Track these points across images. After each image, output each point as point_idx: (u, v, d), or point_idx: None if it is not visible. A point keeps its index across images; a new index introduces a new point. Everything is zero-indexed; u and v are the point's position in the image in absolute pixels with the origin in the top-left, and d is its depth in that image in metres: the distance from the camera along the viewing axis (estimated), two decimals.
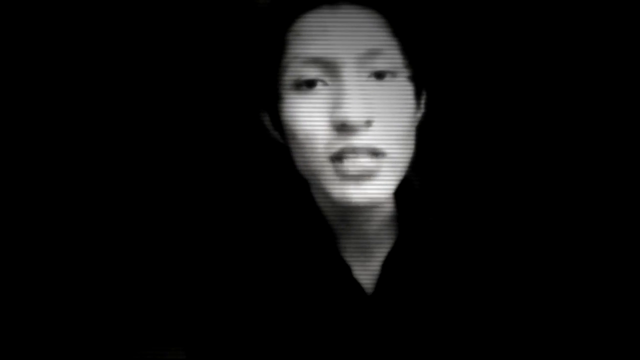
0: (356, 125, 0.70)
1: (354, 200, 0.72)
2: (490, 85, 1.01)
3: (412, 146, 0.77)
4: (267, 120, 0.80)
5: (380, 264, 0.80)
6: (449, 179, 0.98)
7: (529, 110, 1.02)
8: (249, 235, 0.83)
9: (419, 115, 0.80)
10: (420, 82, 0.78)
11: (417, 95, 0.77)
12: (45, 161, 1.05)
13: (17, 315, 1.02)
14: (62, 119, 1.06)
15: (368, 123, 0.71)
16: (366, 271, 0.80)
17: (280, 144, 0.79)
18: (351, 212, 0.77)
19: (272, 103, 0.76)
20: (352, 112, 0.69)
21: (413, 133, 0.77)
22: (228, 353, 0.80)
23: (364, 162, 0.71)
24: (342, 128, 0.70)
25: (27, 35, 1.02)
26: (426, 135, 0.82)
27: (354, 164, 0.71)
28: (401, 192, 0.80)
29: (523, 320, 0.80)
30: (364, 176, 0.72)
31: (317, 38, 0.71)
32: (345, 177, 0.72)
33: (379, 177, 0.72)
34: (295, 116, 0.73)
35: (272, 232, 0.82)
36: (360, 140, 0.71)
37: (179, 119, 1.06)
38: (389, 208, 0.81)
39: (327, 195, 0.74)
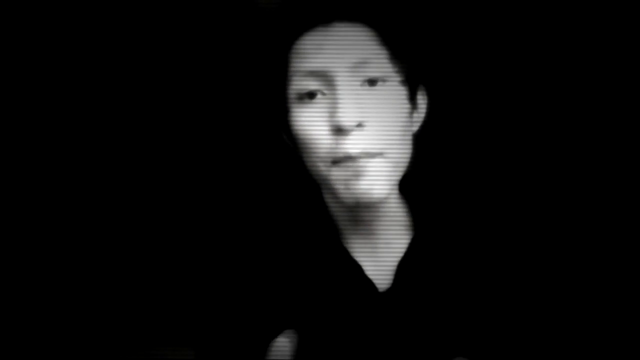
0: (349, 129, 0.77)
1: (354, 195, 0.79)
2: (488, 83, 1.03)
3: (409, 146, 0.83)
4: (284, 134, 0.87)
5: (390, 262, 0.84)
6: (459, 179, 1.00)
7: (531, 108, 1.03)
8: (262, 236, 0.89)
9: (418, 117, 0.86)
10: (413, 85, 0.83)
11: (412, 98, 0.83)
12: (59, 162, 1.09)
13: (20, 315, 1.06)
14: (79, 119, 1.09)
15: (360, 125, 0.77)
16: (377, 269, 0.84)
17: (292, 149, 0.86)
18: (359, 212, 0.84)
19: (283, 116, 0.84)
20: (345, 116, 0.77)
21: (409, 134, 0.83)
22: (240, 351, 0.84)
23: (361, 164, 0.78)
24: (338, 132, 0.77)
25: (27, 35, 1.07)
26: (434, 136, 0.86)
27: (352, 166, 0.78)
28: (409, 193, 0.86)
29: (537, 318, 0.82)
30: (362, 174, 0.78)
31: (314, 54, 0.79)
32: (347, 178, 0.78)
33: (375, 175, 0.78)
34: (300, 126, 0.81)
35: (284, 233, 0.89)
36: (357, 146, 0.77)
37: (202, 125, 1.09)
38: (396, 208, 0.86)
39: (334, 196, 0.81)
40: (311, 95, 0.79)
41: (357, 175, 0.78)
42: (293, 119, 0.81)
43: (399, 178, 0.82)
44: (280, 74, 0.82)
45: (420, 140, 0.85)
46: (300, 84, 0.79)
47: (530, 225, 0.88)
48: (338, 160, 0.78)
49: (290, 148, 0.86)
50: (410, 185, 0.85)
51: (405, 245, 0.85)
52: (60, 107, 1.08)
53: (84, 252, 1.08)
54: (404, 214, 0.87)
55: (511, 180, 1.03)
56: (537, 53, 1.02)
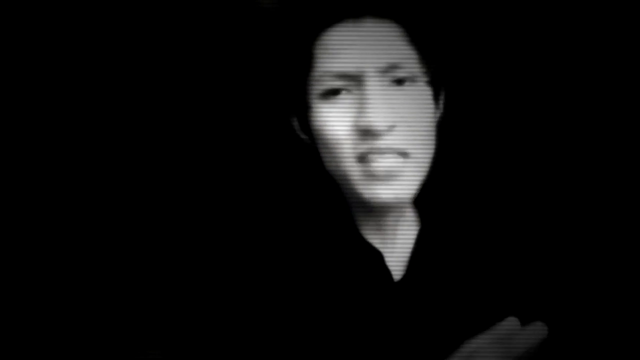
0: (380, 130, 0.75)
1: (382, 199, 0.78)
2: (505, 84, 1.04)
3: (434, 146, 0.82)
4: (296, 124, 0.85)
5: (401, 253, 0.84)
6: (468, 171, 1.01)
7: (544, 108, 1.04)
8: (278, 228, 0.87)
9: (438, 115, 0.85)
10: (438, 86, 0.83)
11: (435, 98, 0.83)
12: (58, 161, 1.06)
13: (17, 315, 1.03)
14: (87, 120, 1.07)
15: (391, 128, 0.76)
16: (390, 259, 0.84)
17: (309, 144, 0.84)
18: (381, 208, 0.82)
19: (302, 110, 0.82)
20: (376, 118, 0.75)
21: (434, 133, 0.83)
22: (257, 337, 0.83)
23: (391, 162, 0.77)
24: (367, 133, 0.76)
25: (28, 35, 1.03)
26: (446, 133, 0.86)
27: (381, 164, 0.77)
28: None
29: (546, 308, 0.83)
30: (391, 175, 0.77)
31: (343, 53, 0.77)
32: (373, 176, 0.77)
33: (405, 177, 0.78)
34: (323, 122, 0.79)
35: (301, 225, 0.87)
36: (385, 142, 0.76)
37: (215, 122, 1.08)
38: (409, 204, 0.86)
39: (355, 195, 0.80)
40: (335, 92, 0.78)
41: (386, 177, 0.77)
42: (315, 115, 0.79)
43: (424, 178, 0.81)
44: (304, 69, 0.79)
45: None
46: (326, 83, 0.78)
47: (535, 218, 0.90)
48: (364, 158, 0.77)
49: (304, 141, 0.85)
50: None
51: (414, 237, 0.85)
52: (60, 107, 1.05)
53: (86, 251, 1.05)
54: (412, 205, 0.87)
55: (515, 173, 1.04)
56: (550, 54, 1.03)
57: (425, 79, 0.80)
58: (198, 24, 1.06)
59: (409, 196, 0.79)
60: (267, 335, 0.82)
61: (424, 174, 0.80)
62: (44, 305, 1.03)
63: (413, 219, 0.87)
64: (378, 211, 0.83)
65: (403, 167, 0.77)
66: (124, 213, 1.06)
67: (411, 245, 0.85)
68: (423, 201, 0.87)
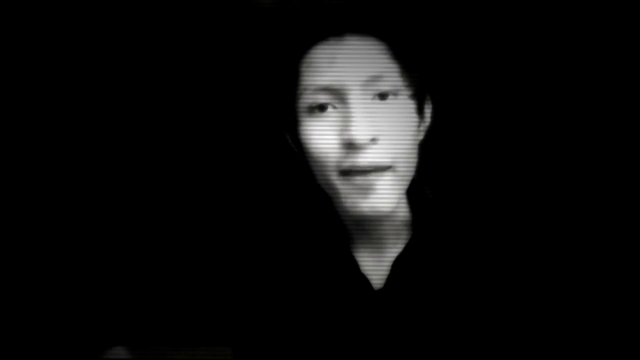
0: (362, 144, 0.78)
1: (362, 211, 0.80)
2: (492, 93, 1.04)
3: (415, 158, 0.84)
4: (289, 139, 0.88)
5: (387, 261, 0.86)
6: (460, 185, 1.01)
7: (532, 115, 1.04)
8: (270, 235, 0.92)
9: (423, 128, 0.87)
10: (421, 98, 0.85)
11: (420, 111, 0.84)
12: (57, 161, 1.08)
13: (20, 315, 1.06)
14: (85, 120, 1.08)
15: (373, 141, 0.79)
16: (377, 270, 0.86)
17: (301, 157, 0.87)
18: (364, 220, 0.84)
19: (292, 125, 0.84)
20: (358, 132, 0.78)
21: (416, 147, 0.84)
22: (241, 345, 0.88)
23: (369, 178, 0.79)
24: (350, 147, 0.78)
25: (27, 35, 1.05)
26: (436, 144, 0.87)
27: (360, 180, 0.79)
28: (414, 198, 0.87)
29: (531, 322, 0.84)
30: (370, 190, 0.79)
31: (326, 68, 0.80)
32: (354, 190, 0.80)
33: (383, 191, 0.80)
34: (310, 137, 0.81)
35: (292, 233, 0.92)
36: (366, 158, 0.79)
37: (213, 131, 1.10)
38: (402, 214, 0.87)
39: (339, 206, 0.83)
40: (322, 107, 0.80)
41: (366, 190, 0.79)
42: (303, 130, 0.82)
43: (404, 190, 0.83)
44: (291, 85, 0.82)
45: (424, 145, 0.86)
46: (311, 97, 0.80)
47: (527, 227, 0.89)
48: (347, 173, 0.79)
49: (297, 153, 0.87)
50: (412, 187, 0.86)
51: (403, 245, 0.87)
52: (60, 107, 1.07)
53: (89, 252, 1.08)
54: (406, 214, 0.88)
55: (508, 181, 1.05)
56: (541, 63, 1.03)
57: (408, 92, 0.81)
58: (197, 24, 1.07)
59: (389, 208, 0.80)
60: (251, 342, 0.87)
61: (404, 186, 0.83)
62: (49, 305, 1.06)
63: (406, 230, 0.88)
64: (368, 222, 0.85)
65: (382, 181, 0.79)
66: (114, 215, 1.08)
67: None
68: (418, 210, 0.88)
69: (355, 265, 0.86)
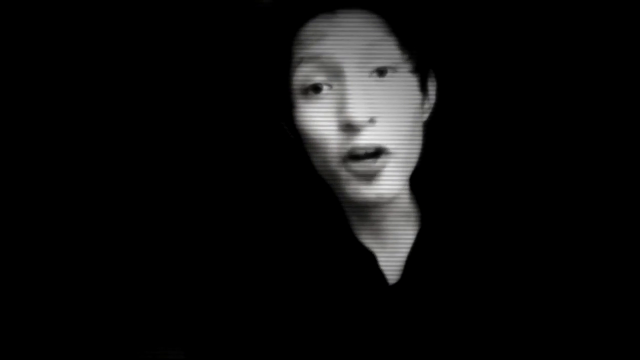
0: (360, 125, 0.73)
1: (365, 197, 0.75)
2: (498, 74, 1.00)
3: (420, 140, 0.79)
4: (286, 128, 0.83)
5: (399, 255, 0.81)
6: (467, 171, 0.98)
7: (543, 98, 1.00)
8: (273, 230, 0.87)
9: (428, 106, 0.82)
10: (424, 74, 0.79)
11: (423, 87, 0.79)
12: (57, 161, 1.06)
13: (18, 315, 1.03)
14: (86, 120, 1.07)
15: (372, 121, 0.73)
16: (386, 263, 0.81)
17: (299, 145, 0.82)
18: (367, 208, 0.80)
19: (287, 111, 0.79)
20: (356, 111, 0.72)
21: (420, 127, 0.79)
22: (251, 340, 0.82)
23: (370, 163, 0.74)
24: (348, 128, 0.73)
25: (27, 35, 1.04)
26: (443, 129, 0.83)
27: (361, 165, 0.74)
28: (419, 187, 0.83)
29: (545, 311, 0.80)
30: (372, 175, 0.74)
31: (317, 41, 0.75)
32: (356, 176, 0.75)
33: (387, 175, 0.75)
34: (306, 122, 0.76)
35: (296, 227, 0.86)
36: (365, 139, 0.73)
37: (209, 123, 1.07)
38: (405, 203, 0.83)
39: (340, 193, 0.78)
40: (316, 89, 0.75)
41: (368, 175, 0.74)
42: (298, 114, 0.77)
43: (410, 173, 0.78)
44: (283, 64, 0.78)
45: (430, 130, 0.81)
46: (304, 73, 0.75)
47: (537, 217, 0.87)
48: (348, 159, 0.74)
49: (294, 141, 0.82)
50: (418, 177, 0.82)
51: (413, 238, 0.82)
52: (60, 107, 1.05)
53: (84, 251, 1.06)
54: (412, 206, 0.84)
55: (518, 171, 1.00)
56: (550, 39, 0.98)
57: (408, 66, 0.76)
58: (196, 23, 1.05)
59: (393, 194, 0.76)
60: (261, 338, 0.81)
61: (409, 170, 0.78)
62: (53, 306, 1.04)
63: (413, 219, 0.84)
64: (372, 211, 0.80)
65: (384, 166, 0.74)
66: (113, 215, 1.06)
67: (409, 247, 0.82)
68: (426, 201, 0.84)
69: (372, 259, 0.80)
